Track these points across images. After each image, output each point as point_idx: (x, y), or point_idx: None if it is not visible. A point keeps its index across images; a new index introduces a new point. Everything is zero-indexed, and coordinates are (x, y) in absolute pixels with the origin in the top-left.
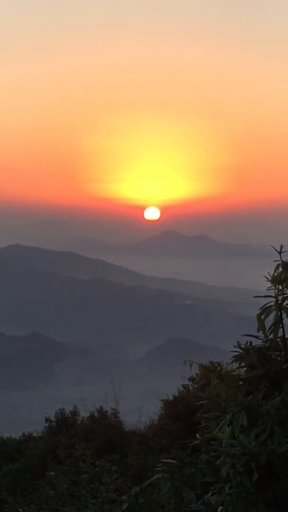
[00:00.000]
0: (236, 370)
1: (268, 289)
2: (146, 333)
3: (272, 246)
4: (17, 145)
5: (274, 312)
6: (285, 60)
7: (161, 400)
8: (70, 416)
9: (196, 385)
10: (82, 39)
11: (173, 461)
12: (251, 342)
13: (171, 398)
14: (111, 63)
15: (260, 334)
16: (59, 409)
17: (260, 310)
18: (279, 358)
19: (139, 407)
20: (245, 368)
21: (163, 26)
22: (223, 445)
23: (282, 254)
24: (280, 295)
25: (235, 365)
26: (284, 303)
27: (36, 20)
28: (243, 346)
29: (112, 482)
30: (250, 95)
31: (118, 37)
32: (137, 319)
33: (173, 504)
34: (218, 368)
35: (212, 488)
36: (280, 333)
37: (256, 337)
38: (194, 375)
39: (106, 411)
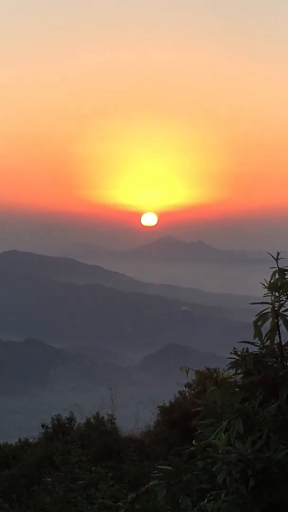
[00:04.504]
0: (233, 376)
1: (265, 295)
2: (143, 339)
3: (269, 253)
4: (11, 151)
5: (270, 319)
6: (286, 66)
7: (158, 407)
8: (66, 422)
9: (192, 392)
10: (76, 43)
11: (169, 467)
12: (247, 349)
13: (167, 404)
14: (106, 67)
15: (257, 340)
16: (55, 415)
17: (257, 317)
18: (275, 365)
19: (136, 414)
20: (241, 375)
21: (161, 30)
22: (219, 452)
23: (279, 261)
24: (276, 301)
25: (232, 371)
26: (281, 310)
27: (28, 25)
28: (239, 353)
29: (108, 489)
30: (250, 101)
31: (114, 41)
32: (134, 325)
33: (169, 511)
34: (215, 374)
35: (208, 494)
36: (276, 340)
37: (253, 343)
38: (191, 382)
39: (103, 417)
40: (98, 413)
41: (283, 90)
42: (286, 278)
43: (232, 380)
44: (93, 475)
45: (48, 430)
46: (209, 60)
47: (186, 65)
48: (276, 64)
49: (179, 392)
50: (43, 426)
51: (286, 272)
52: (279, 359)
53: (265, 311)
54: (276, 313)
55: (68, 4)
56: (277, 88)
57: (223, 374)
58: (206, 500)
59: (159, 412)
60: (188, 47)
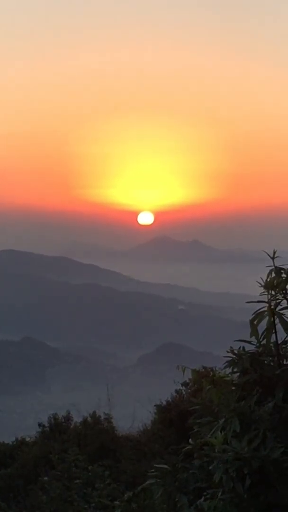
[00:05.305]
0: (229, 375)
1: (261, 294)
2: (139, 338)
3: (265, 252)
4: (10, 151)
5: (267, 318)
6: (286, 67)
7: (154, 406)
8: (63, 421)
9: (189, 391)
10: (76, 43)
11: (166, 466)
12: (244, 348)
13: (164, 403)
14: (106, 67)
15: (253, 339)
16: (52, 414)
17: (253, 316)
18: (271, 364)
19: (132, 413)
20: (238, 374)
21: (161, 30)
22: (216, 450)
23: (275, 260)
24: (273, 300)
25: (228, 370)
26: (277, 309)
27: (28, 25)
28: (236, 352)
29: (105, 488)
30: (249, 101)
31: (114, 41)
32: (130, 325)
33: (166, 509)
34: (211, 373)
35: (205, 493)
36: (273, 339)
37: (249, 342)
38: (187, 381)
39: (99, 417)
40: (94, 412)
41: (283, 90)
42: (282, 277)
43: (228, 379)
44: (90, 474)
45: (44, 429)
46: (209, 60)
47: (186, 65)
48: (276, 64)
49: (176, 391)
50: (39, 425)
51: (282, 271)
52: (276, 357)
53: (262, 309)
54: (272, 312)
55: (68, 4)
56: (276, 88)
57: (219, 373)
58: (202, 499)
59: (155, 411)
60: (188, 47)
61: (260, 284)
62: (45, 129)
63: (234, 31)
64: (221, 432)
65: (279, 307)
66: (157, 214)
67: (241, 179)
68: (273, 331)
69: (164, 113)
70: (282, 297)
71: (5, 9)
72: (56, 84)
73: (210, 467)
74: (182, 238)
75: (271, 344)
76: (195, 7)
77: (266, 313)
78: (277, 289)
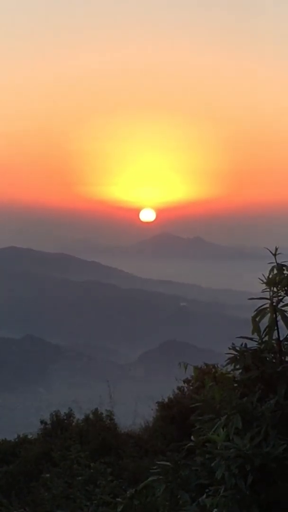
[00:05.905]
0: (231, 372)
1: (263, 291)
2: (141, 335)
3: (267, 249)
4: (11, 149)
5: (268, 315)
6: (286, 67)
7: (156, 403)
8: (65, 418)
9: (191, 388)
10: (76, 43)
11: (168, 463)
12: (246, 344)
13: (166, 400)
14: (106, 67)
15: (255, 336)
16: (54, 412)
17: (255, 312)
18: (273, 360)
19: (134, 410)
20: (240, 370)
21: (161, 30)
22: (218, 447)
23: (277, 257)
24: (274, 297)
25: (230, 367)
26: (279, 305)
27: (28, 25)
28: (238, 348)
29: (107, 485)
30: (249, 100)
31: (114, 41)
32: (132, 321)
33: (168, 506)
34: (213, 370)
35: (207, 490)
36: (275, 335)
37: (251, 339)
38: (189, 378)
39: (101, 414)
40: (96, 409)
41: (282, 90)
42: (284, 274)
43: (230, 376)
44: (92, 471)
45: (46, 426)
46: (209, 60)
47: (186, 65)
48: (276, 64)
49: (178, 388)
50: (41, 422)
51: (284, 268)
52: (278, 354)
53: (263, 306)
54: (274, 309)
55: (68, 4)
56: (276, 88)
57: (221, 369)
58: (204, 496)
59: (157, 408)
60: (188, 47)
61: (262, 281)
62: (46, 128)
63: (234, 31)
64: (223, 429)
65: (281, 304)
66: (159, 211)
67: (243, 177)
68: (275, 328)
69: (165, 112)
70: (284, 294)
71: (5, 9)
72: (56, 84)
73: (212, 464)
74: (184, 235)
75: (273, 341)
76: (195, 7)
77: (268, 310)
78: (279, 286)
